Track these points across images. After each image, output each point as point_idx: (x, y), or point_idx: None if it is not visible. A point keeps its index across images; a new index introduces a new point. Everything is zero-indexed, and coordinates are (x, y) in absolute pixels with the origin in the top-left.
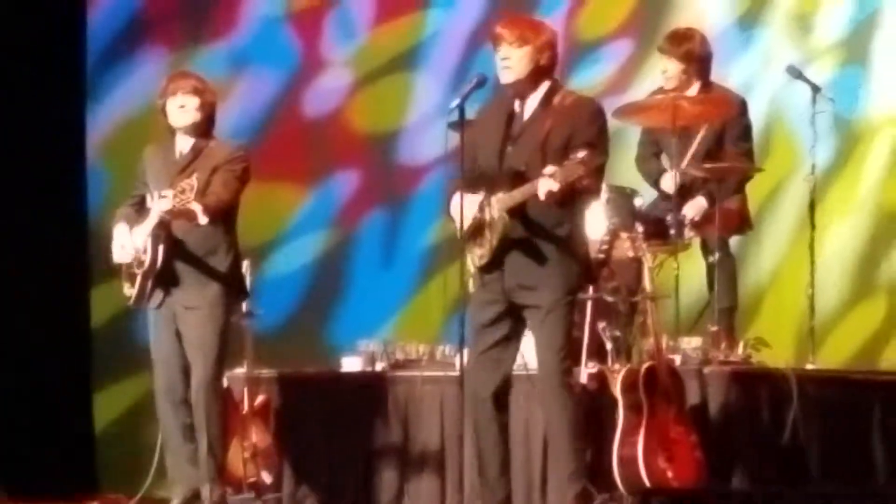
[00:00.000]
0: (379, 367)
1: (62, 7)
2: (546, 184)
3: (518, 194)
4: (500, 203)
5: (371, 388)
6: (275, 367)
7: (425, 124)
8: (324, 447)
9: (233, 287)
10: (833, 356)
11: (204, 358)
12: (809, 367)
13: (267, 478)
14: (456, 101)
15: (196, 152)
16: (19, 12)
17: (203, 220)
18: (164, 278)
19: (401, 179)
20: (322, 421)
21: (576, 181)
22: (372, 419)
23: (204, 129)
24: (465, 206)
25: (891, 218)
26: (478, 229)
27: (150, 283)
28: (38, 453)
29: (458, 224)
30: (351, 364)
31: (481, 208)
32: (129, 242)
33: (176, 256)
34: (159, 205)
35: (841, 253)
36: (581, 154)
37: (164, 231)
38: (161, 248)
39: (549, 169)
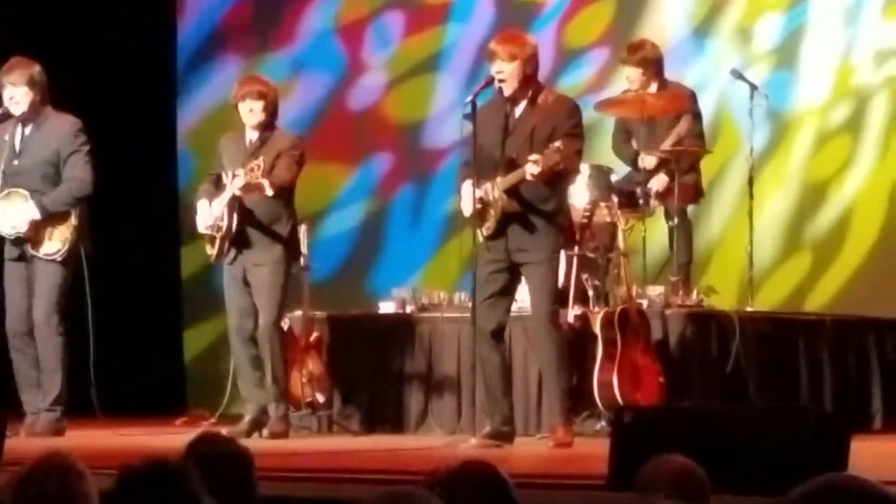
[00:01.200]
0: (408, 309)
1: (157, 21)
2: (531, 168)
3: (512, 177)
4: (499, 185)
5: (402, 327)
6: (326, 309)
7: (445, 115)
8: (365, 374)
9: (291, 248)
10: (768, 300)
11: (269, 305)
12: (749, 309)
13: (320, 398)
14: (469, 98)
15: (263, 141)
16: (122, 24)
17: (269, 192)
18: (238, 240)
19: (426, 160)
20: (364, 353)
21: (554, 165)
22: (403, 351)
23: (269, 122)
24: (469, 195)
25: (813, 190)
26: (483, 209)
27: (226, 245)
28: (140, 380)
29: (462, 205)
30: (386, 307)
31: (485, 194)
32: (209, 214)
33: (247, 223)
34: (234, 182)
35: (774, 217)
36: (558, 143)
37: (237, 202)
38: (235, 216)
39: (534, 156)
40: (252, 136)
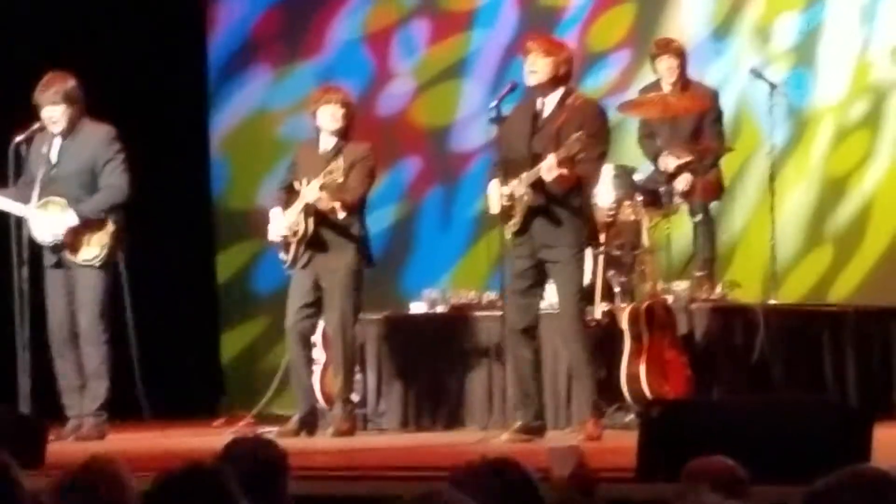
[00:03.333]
0: (439, 309)
1: (189, 32)
2: (550, 159)
3: (536, 171)
4: (525, 180)
5: (433, 326)
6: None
7: (471, 120)
8: (398, 372)
9: (364, 252)
10: (791, 293)
11: (342, 307)
12: (772, 302)
13: (355, 397)
14: (494, 102)
15: (337, 150)
16: (156, 36)
17: (341, 215)
18: (312, 245)
19: (453, 163)
20: (396, 351)
21: (574, 154)
22: (434, 350)
23: (345, 132)
24: (496, 193)
25: (833, 184)
26: (510, 208)
27: (301, 249)
28: (178, 381)
29: (490, 203)
30: (417, 307)
31: (510, 196)
32: (283, 221)
33: (322, 228)
34: (310, 192)
35: (795, 212)
36: (578, 134)
37: (312, 208)
38: (311, 221)
39: (557, 153)
40: (327, 144)
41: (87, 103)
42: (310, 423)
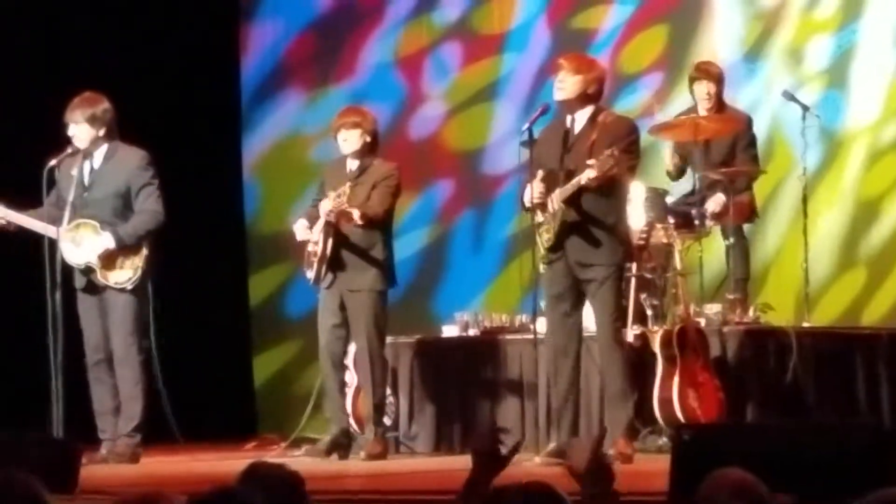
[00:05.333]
0: (471, 332)
1: (222, 56)
2: (587, 172)
3: (570, 186)
4: (559, 196)
5: (466, 349)
6: (391, 334)
7: (503, 143)
8: (430, 395)
9: (388, 274)
10: (824, 316)
11: (366, 330)
12: (806, 325)
13: (387, 420)
14: (526, 125)
15: (362, 170)
16: (189, 60)
17: (358, 221)
18: (334, 265)
19: (485, 186)
20: (428, 374)
21: (608, 170)
22: (467, 373)
23: (367, 150)
24: (533, 189)
25: (866, 207)
26: (542, 205)
27: (323, 268)
28: (211, 405)
29: (526, 201)
30: (450, 330)
31: (544, 192)
32: (306, 233)
33: (342, 247)
34: (323, 205)
35: (828, 235)
36: (612, 149)
37: (332, 227)
38: (330, 240)
39: (590, 161)
40: (352, 164)
41: (121, 125)
42: (342, 444)
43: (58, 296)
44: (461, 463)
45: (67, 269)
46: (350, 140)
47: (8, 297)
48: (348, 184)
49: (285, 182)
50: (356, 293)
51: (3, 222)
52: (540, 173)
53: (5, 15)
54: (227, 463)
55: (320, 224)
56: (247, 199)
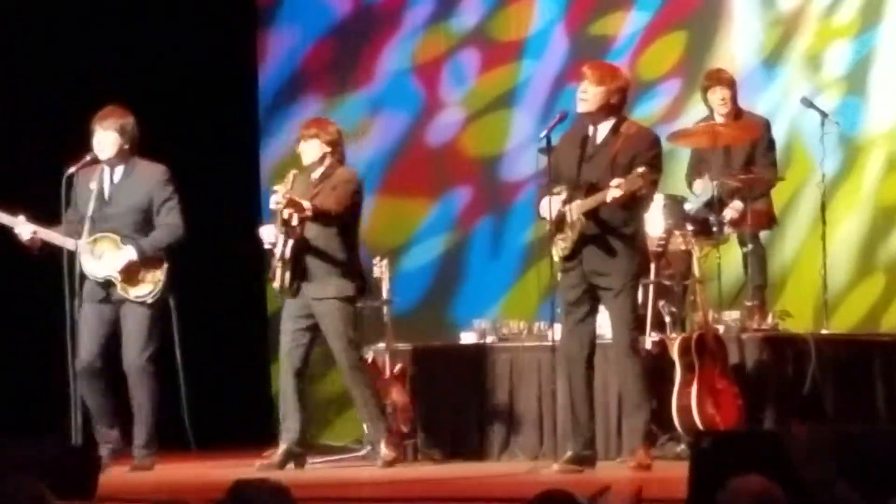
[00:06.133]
0: (489, 339)
1: (241, 63)
2: (613, 192)
3: (592, 201)
4: (578, 208)
5: (483, 356)
6: (409, 341)
7: (521, 150)
8: (448, 403)
9: (354, 281)
10: (842, 322)
11: (338, 341)
12: (824, 331)
13: (405, 428)
14: (544, 132)
15: (324, 178)
16: (207, 68)
17: (308, 212)
18: (298, 273)
19: (503, 193)
20: (446, 382)
21: (636, 190)
22: (484, 381)
23: (329, 159)
24: (551, 205)
25: (885, 213)
26: (560, 226)
27: (287, 274)
28: (229, 413)
29: (546, 218)
30: (467, 338)
31: (564, 203)
32: (272, 235)
33: (304, 254)
34: (271, 199)
35: (847, 241)
36: (640, 170)
37: (290, 229)
38: (290, 242)
39: (616, 181)
40: (316, 172)
41: (140, 134)
42: (295, 454)
43: (76, 305)
44: (478, 470)
45: (78, 282)
46: (309, 151)
47: (27, 306)
48: (293, 172)
49: None
50: (322, 301)
51: (31, 236)
52: (563, 193)
53: (25, 27)
54: (245, 471)
55: (277, 224)
56: (265, 205)
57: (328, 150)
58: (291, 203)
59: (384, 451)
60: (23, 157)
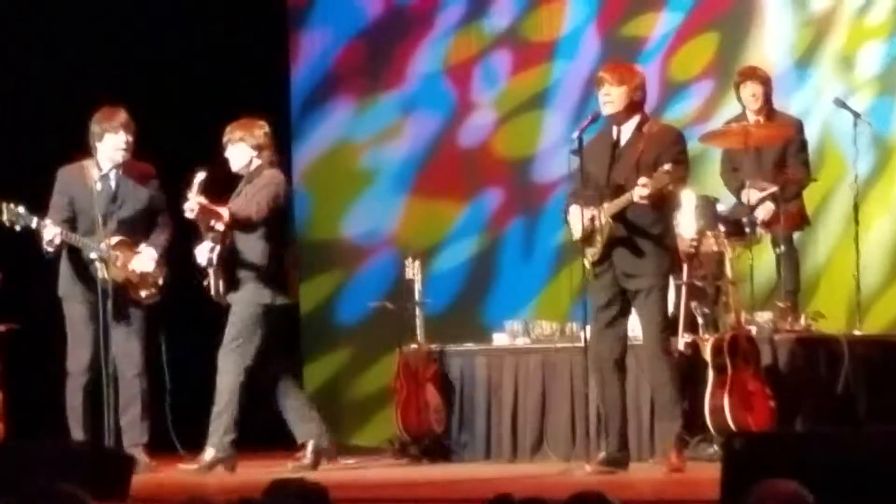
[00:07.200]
0: (521, 341)
1: (273, 64)
2: (639, 190)
3: (619, 202)
4: (607, 210)
5: (515, 358)
6: (441, 342)
7: (553, 151)
8: (480, 404)
9: (269, 288)
10: (876, 324)
11: (232, 346)
12: (857, 332)
13: (438, 429)
14: (576, 133)
15: (247, 182)
16: (239, 69)
17: (225, 218)
18: (226, 280)
19: (535, 194)
20: (478, 382)
21: (663, 188)
22: (517, 381)
23: (250, 163)
24: (578, 217)
25: None
26: (590, 235)
27: (218, 282)
28: (262, 413)
29: (572, 229)
30: (500, 339)
31: (591, 219)
32: (203, 254)
33: (232, 258)
34: (185, 206)
35: (880, 242)
36: (667, 167)
37: (216, 235)
38: (217, 249)
39: (643, 180)
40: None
41: (171, 135)
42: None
43: (109, 305)
44: (510, 471)
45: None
46: (235, 155)
47: (56, 308)
48: (201, 174)
49: (335, 190)
50: (238, 305)
51: (59, 241)
52: (590, 208)
53: (51, 24)
54: (277, 472)
55: (204, 232)
56: (297, 207)
57: (254, 153)
58: (205, 211)
59: (212, 453)
60: (45, 155)
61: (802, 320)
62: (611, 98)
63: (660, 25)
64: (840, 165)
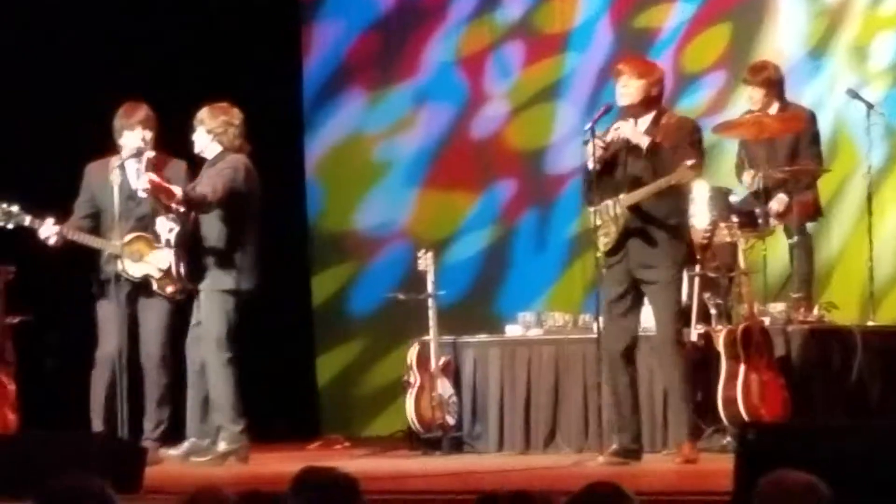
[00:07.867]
0: (534, 332)
1: (285, 56)
2: (660, 182)
3: (641, 193)
4: (623, 202)
5: (528, 349)
6: (454, 333)
7: (566, 142)
8: (493, 395)
9: (235, 273)
10: (889, 314)
11: (206, 336)
12: (870, 323)
13: (450, 420)
14: (589, 124)
15: (211, 164)
16: (252, 61)
17: (178, 196)
18: (188, 263)
19: (548, 185)
20: (491, 374)
21: (685, 182)
22: (530, 373)
23: (214, 147)
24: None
25: None
26: (604, 223)
27: (176, 264)
28: (275, 405)
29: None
30: (513, 330)
31: (607, 210)
32: (165, 227)
33: (194, 245)
34: (139, 183)
35: (893, 233)
36: (689, 163)
37: (179, 216)
38: (175, 231)
39: (666, 178)
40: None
41: (184, 128)
42: (198, 449)
43: (123, 298)
44: (523, 463)
45: (96, 275)
46: (197, 139)
47: (70, 300)
48: (148, 154)
49: (348, 182)
50: (203, 292)
51: (55, 240)
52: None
53: (68, 20)
54: (291, 463)
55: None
56: (310, 199)
57: (209, 138)
58: (159, 188)
59: (223, 445)
60: (61, 152)
61: (815, 311)
62: (628, 90)
63: (672, 16)
64: (853, 156)
